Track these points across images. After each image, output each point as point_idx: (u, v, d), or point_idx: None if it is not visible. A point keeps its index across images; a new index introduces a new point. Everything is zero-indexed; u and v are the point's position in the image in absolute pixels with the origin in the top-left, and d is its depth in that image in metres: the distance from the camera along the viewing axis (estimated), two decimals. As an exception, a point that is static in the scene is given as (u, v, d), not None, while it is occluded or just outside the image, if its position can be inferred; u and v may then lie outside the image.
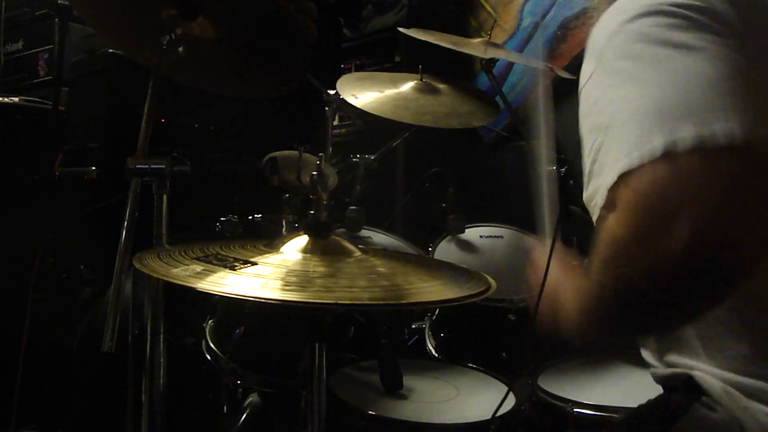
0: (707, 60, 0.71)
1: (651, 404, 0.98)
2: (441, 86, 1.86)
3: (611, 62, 0.77)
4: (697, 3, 0.74)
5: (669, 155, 0.67)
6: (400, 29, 1.91)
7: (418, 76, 1.85)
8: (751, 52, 0.73)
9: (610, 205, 0.74)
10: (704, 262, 0.67)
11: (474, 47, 1.89)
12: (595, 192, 0.76)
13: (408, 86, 1.83)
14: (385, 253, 1.16)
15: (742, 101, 0.69)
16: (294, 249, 0.98)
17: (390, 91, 1.81)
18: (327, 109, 2.05)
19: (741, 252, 0.67)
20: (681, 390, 0.87)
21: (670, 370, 0.89)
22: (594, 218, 0.81)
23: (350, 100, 1.76)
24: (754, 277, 0.70)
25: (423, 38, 1.80)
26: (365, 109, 1.73)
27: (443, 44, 1.76)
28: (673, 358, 0.88)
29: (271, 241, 1.03)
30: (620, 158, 0.71)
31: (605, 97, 0.76)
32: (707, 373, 0.83)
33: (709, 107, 0.68)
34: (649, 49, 0.73)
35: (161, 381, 1.18)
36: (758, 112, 0.69)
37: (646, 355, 0.96)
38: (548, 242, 1.04)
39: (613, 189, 0.72)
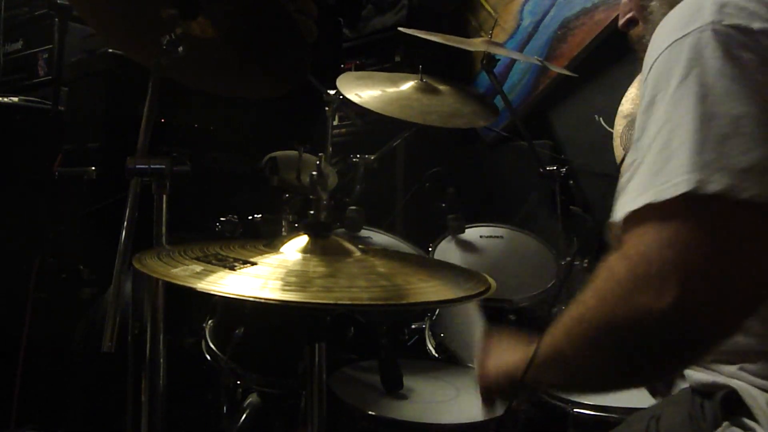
0: (749, 103, 0.66)
1: (675, 412, 0.93)
2: (441, 87, 1.86)
3: (658, 79, 0.72)
4: (757, 26, 0.68)
5: (692, 199, 0.64)
6: (400, 29, 1.91)
7: (418, 77, 1.84)
8: None
9: (618, 238, 0.71)
10: (694, 321, 0.64)
11: (474, 47, 1.89)
12: (620, 207, 0.72)
13: (408, 86, 1.83)
14: (385, 253, 1.16)
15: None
16: (294, 249, 0.98)
17: (392, 90, 1.81)
18: (327, 109, 2.05)
19: (733, 314, 0.65)
20: (718, 400, 0.81)
21: (711, 378, 0.83)
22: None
23: (353, 98, 1.76)
24: None
25: (423, 36, 1.80)
26: (370, 108, 1.72)
27: (443, 41, 1.76)
28: (718, 357, 0.83)
29: (271, 241, 1.03)
30: (649, 188, 0.67)
31: (648, 115, 0.72)
32: (750, 383, 0.78)
33: (736, 161, 0.64)
34: (697, 76, 0.68)
35: (161, 381, 1.18)
36: None
37: None
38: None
39: (634, 217, 0.69)
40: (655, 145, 0.69)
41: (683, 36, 0.70)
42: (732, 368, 0.80)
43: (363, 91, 1.77)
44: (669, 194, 0.65)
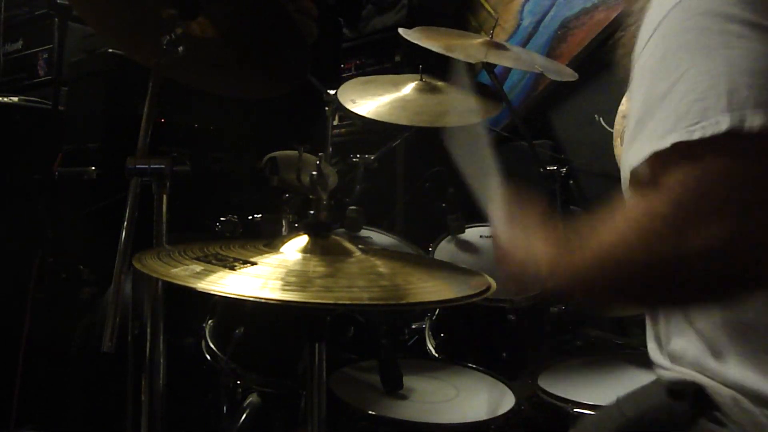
0: None
1: (654, 410, 0.95)
2: (440, 84, 1.86)
3: (673, 32, 0.72)
4: None
5: (734, 136, 0.64)
6: (400, 30, 1.91)
7: (419, 77, 1.85)
8: None
9: (653, 174, 0.70)
10: (747, 256, 0.64)
11: (475, 48, 1.89)
12: (637, 154, 0.71)
13: (409, 88, 1.84)
14: (385, 253, 1.16)
15: None
16: (294, 249, 0.98)
17: (389, 95, 1.82)
18: (327, 109, 2.05)
19: None
20: (688, 399, 0.83)
21: (678, 375, 0.85)
22: (625, 184, 0.78)
23: (348, 105, 1.77)
24: None
25: (420, 42, 1.80)
26: (362, 114, 1.74)
27: (439, 50, 1.76)
28: (681, 356, 0.85)
29: (271, 241, 1.03)
30: (677, 128, 0.67)
31: (664, 65, 0.72)
32: (716, 380, 0.79)
33: None
34: (718, 23, 0.69)
35: (161, 381, 1.18)
36: None
37: (652, 350, 0.92)
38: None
39: (662, 159, 0.68)
40: (678, 90, 0.69)
41: None
42: (696, 360, 0.82)
43: (360, 97, 1.78)
44: (709, 132, 0.65)
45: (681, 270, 0.67)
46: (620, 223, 0.73)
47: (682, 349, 0.84)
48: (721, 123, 0.64)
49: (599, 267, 0.75)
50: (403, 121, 1.76)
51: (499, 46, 1.93)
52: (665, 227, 0.67)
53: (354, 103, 1.76)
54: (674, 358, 0.87)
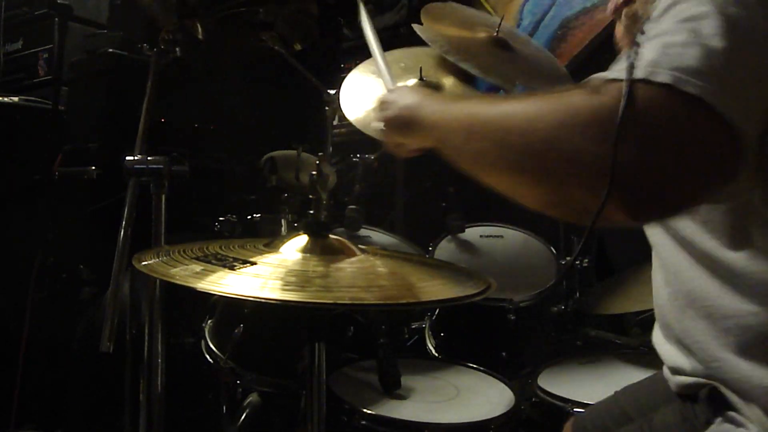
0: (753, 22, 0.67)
1: (661, 412, 0.95)
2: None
3: None
4: None
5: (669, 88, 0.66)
6: (414, 26, 1.90)
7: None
8: None
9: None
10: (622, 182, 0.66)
11: (482, 42, 1.88)
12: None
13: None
14: (385, 253, 1.16)
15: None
16: (293, 249, 0.98)
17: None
18: (327, 109, 2.05)
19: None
20: (704, 401, 0.83)
21: (692, 380, 0.85)
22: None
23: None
24: None
25: (426, 38, 1.79)
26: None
27: (449, 57, 1.76)
28: (697, 355, 0.84)
29: (270, 240, 1.03)
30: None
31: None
32: (733, 379, 0.78)
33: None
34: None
35: (159, 381, 1.18)
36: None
37: (665, 352, 0.92)
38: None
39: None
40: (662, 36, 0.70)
41: None
42: (708, 371, 0.82)
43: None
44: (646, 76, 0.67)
45: (565, 150, 0.70)
46: (547, 99, 0.75)
47: (699, 348, 0.83)
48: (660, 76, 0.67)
49: (503, 114, 0.78)
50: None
51: (503, 46, 1.92)
52: (573, 113, 0.70)
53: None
54: (689, 358, 0.85)
